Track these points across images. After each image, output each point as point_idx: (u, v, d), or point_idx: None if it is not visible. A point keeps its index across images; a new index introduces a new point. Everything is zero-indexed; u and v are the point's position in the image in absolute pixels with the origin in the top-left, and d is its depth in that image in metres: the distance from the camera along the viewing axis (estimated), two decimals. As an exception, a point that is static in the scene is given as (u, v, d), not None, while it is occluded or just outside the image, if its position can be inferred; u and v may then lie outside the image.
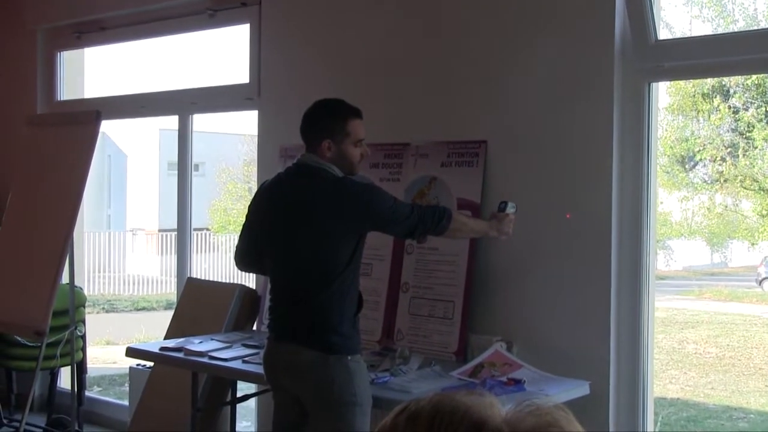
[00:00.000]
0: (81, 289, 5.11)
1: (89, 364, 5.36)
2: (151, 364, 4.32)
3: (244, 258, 3.10)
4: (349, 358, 2.81)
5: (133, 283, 13.22)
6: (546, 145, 3.38)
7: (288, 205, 2.89)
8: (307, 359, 2.80)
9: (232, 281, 4.64)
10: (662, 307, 8.65)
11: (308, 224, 2.83)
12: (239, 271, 3.28)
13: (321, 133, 2.88)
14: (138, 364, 4.66)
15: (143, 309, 12.13)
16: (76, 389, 4.47)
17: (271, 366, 2.94)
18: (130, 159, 16.14)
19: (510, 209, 3.12)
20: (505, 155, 3.49)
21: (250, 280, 4.55)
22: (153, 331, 8.67)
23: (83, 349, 5.05)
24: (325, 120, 2.91)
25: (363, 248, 2.90)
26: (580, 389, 3.10)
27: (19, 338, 4.81)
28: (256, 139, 4.59)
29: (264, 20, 4.39)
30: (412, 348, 3.45)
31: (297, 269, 2.87)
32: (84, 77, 5.78)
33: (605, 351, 3.21)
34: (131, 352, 3.80)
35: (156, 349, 3.67)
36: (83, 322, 5.05)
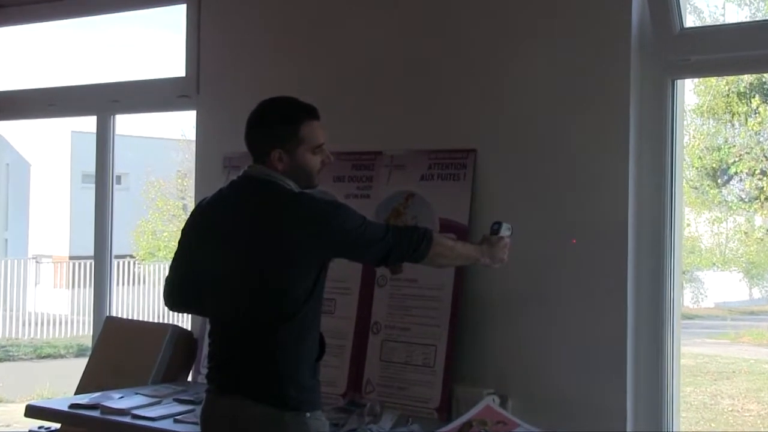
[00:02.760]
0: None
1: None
2: (59, 426, 4.27)
3: (176, 294, 3.09)
4: (308, 415, 2.81)
5: (36, 324, 13.07)
6: (548, 155, 3.42)
7: (232, 227, 2.90)
8: (255, 416, 2.80)
9: (162, 321, 4.62)
10: (690, 353, 8.70)
11: (257, 251, 2.84)
12: (171, 310, 3.28)
13: (268, 140, 2.90)
14: (41, 427, 4.60)
15: (48, 356, 11.98)
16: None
17: (211, 425, 2.93)
18: (34, 168, 16.02)
19: (504, 231, 3.15)
20: (498, 167, 3.52)
21: (184, 320, 4.54)
22: (61, 384, 8.55)
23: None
24: (273, 125, 2.93)
25: (325, 280, 2.92)
26: (589, 453, 3.13)
27: None
28: (193, 146, 4.59)
29: (204, -1, 4.42)
30: (384, 403, 3.46)
31: (244, 306, 2.87)
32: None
33: (620, 407, 3.24)
34: (32, 412, 3.75)
35: (65, 407, 3.63)
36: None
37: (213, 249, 2.94)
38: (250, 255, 2.85)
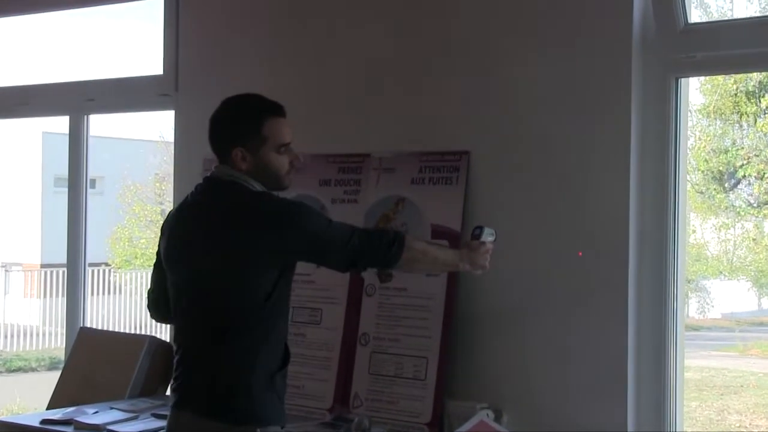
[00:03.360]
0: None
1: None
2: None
3: (159, 305, 3.13)
4: (258, 430, 2.80)
5: (6, 336, 13.03)
6: (545, 157, 3.44)
7: (192, 230, 2.93)
8: None
9: (138, 332, 4.63)
10: (696, 366, 8.71)
11: (213, 253, 2.86)
12: (149, 320, 3.29)
13: (229, 138, 2.93)
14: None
15: (18, 370, 11.94)
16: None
17: None
18: (3, 171, 15.98)
19: (487, 236, 3.15)
20: (492, 170, 3.54)
21: (163, 330, 4.54)
22: (32, 398, 8.53)
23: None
24: (233, 122, 2.95)
25: (289, 284, 2.92)
26: (588, 471, 3.14)
27: None
28: (171, 148, 4.60)
29: (184, -7, 4.43)
30: (373, 417, 3.47)
31: (199, 312, 2.90)
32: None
33: (621, 422, 3.25)
34: (2, 428, 3.75)
35: (36, 423, 3.64)
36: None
37: (177, 255, 2.97)
38: (206, 259, 2.88)
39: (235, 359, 2.82)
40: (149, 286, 3.16)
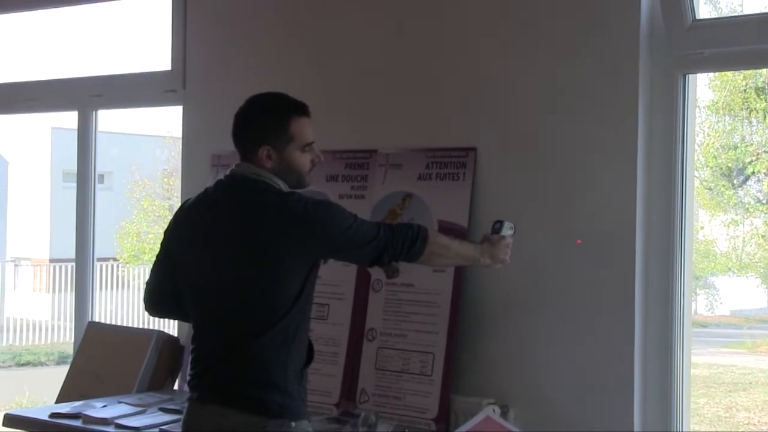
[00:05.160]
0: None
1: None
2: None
3: (157, 298, 3.12)
4: (293, 425, 2.82)
5: (15, 330, 13.07)
6: (552, 154, 3.45)
7: (217, 229, 2.92)
8: (236, 425, 2.82)
9: (146, 326, 4.64)
10: (703, 362, 8.70)
11: (243, 252, 2.86)
12: (155, 315, 3.29)
13: (256, 137, 2.93)
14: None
15: (27, 364, 11.98)
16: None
17: None
18: (12, 167, 16.01)
19: (507, 231, 3.17)
20: (499, 166, 3.55)
21: (170, 325, 4.55)
22: (41, 392, 8.56)
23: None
24: (261, 120, 2.96)
25: (315, 282, 2.94)
26: (594, 467, 3.15)
27: None
28: (179, 144, 4.61)
29: (191, -12, 4.44)
30: (380, 413, 3.48)
31: (228, 310, 2.90)
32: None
33: (628, 419, 3.26)
34: (11, 421, 3.77)
35: (45, 416, 3.66)
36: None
37: (197, 252, 2.96)
38: (235, 258, 2.88)
39: (267, 355, 2.83)
40: (148, 279, 3.15)
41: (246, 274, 2.86)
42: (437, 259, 3.09)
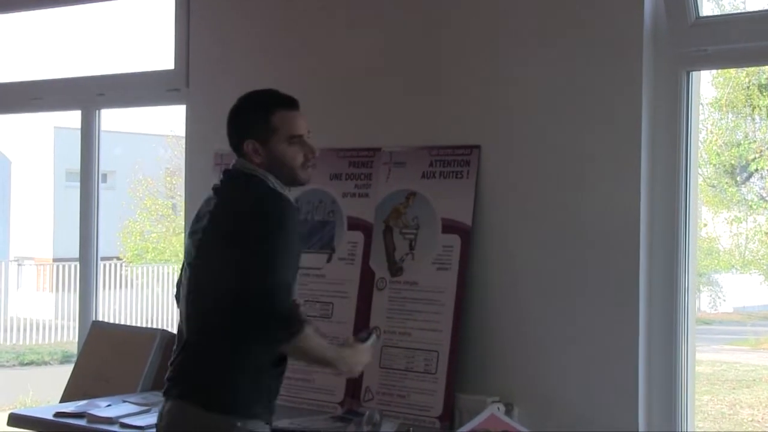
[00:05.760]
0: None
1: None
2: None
3: (177, 292, 3.15)
4: (239, 424, 2.77)
5: (18, 330, 13.08)
6: (556, 151, 3.44)
7: (204, 223, 2.93)
8: (183, 417, 2.83)
9: (150, 325, 4.64)
10: (707, 360, 8.69)
11: (213, 248, 2.86)
12: (161, 314, 3.30)
13: (241, 131, 2.94)
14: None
15: (31, 363, 11.99)
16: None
17: None
18: (15, 166, 16.03)
19: (372, 341, 3.09)
20: (503, 164, 3.55)
21: (174, 324, 4.56)
22: (44, 392, 8.58)
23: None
24: (245, 114, 2.97)
25: None
26: (599, 465, 3.15)
27: None
28: (182, 143, 4.61)
29: (194, -14, 4.44)
30: (384, 411, 3.48)
31: (194, 304, 2.91)
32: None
33: (632, 416, 3.26)
34: (15, 420, 3.77)
35: (49, 416, 3.66)
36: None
37: (189, 246, 2.99)
38: (208, 253, 2.88)
39: (225, 353, 2.81)
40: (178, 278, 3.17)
41: (210, 271, 2.86)
42: (298, 357, 2.90)
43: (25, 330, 13.07)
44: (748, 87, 7.72)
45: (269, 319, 2.70)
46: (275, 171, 2.91)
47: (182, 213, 4.63)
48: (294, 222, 2.86)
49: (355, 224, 3.79)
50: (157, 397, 3.87)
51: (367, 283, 3.73)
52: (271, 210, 2.81)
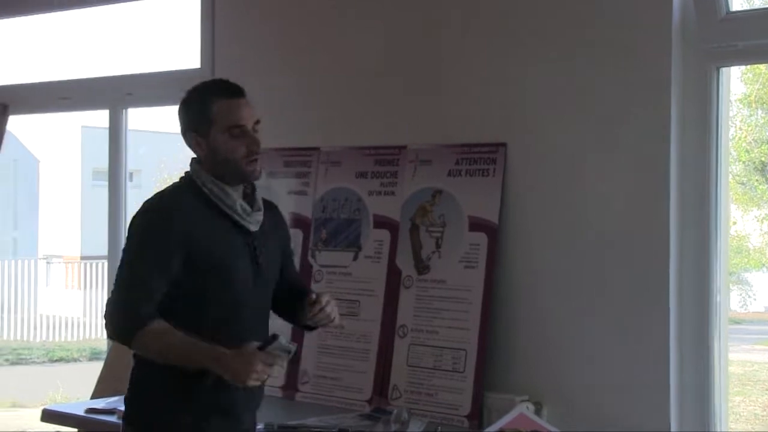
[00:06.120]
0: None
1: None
2: (75, 431, 4.32)
3: None
4: None
5: (48, 327, 13.20)
6: (583, 149, 3.42)
7: None
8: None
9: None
10: (739, 360, 8.62)
11: None
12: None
13: (184, 125, 2.88)
14: (55, 433, 4.66)
15: (61, 360, 12.10)
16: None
17: None
18: (43, 165, 16.15)
19: (279, 348, 2.69)
20: (529, 162, 3.53)
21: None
22: (75, 388, 8.65)
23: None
24: (186, 105, 2.87)
25: (187, 301, 2.75)
26: (629, 465, 3.13)
27: None
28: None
29: (221, -14, 4.45)
30: (412, 410, 3.47)
31: None
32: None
33: (663, 416, 3.23)
34: (48, 416, 3.81)
35: (81, 412, 3.69)
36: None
37: None
38: None
39: (139, 361, 2.82)
40: None
41: None
42: (148, 356, 2.76)
43: (54, 327, 13.19)
44: (778, 83, 7.66)
45: (106, 315, 2.75)
46: (218, 166, 2.79)
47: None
48: (155, 225, 2.79)
49: (381, 222, 3.78)
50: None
51: (393, 281, 3.72)
52: (135, 218, 2.85)
